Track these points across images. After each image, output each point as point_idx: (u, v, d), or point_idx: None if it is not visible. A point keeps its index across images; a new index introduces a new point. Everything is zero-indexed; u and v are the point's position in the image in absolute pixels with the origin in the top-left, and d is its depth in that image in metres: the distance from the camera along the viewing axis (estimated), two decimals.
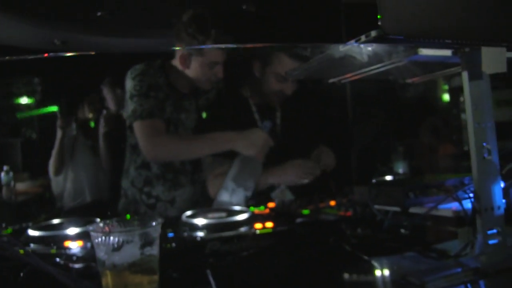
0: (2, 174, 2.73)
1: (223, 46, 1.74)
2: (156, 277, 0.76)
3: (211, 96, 1.98)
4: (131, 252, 0.73)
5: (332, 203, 1.50)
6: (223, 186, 1.66)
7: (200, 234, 1.22)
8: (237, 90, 1.99)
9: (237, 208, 1.42)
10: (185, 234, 1.22)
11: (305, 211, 1.41)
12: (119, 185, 2.00)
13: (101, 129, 2.59)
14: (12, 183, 2.74)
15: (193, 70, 1.83)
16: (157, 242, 0.76)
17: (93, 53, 1.79)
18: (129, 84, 1.83)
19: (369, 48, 0.93)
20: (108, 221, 0.79)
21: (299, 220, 1.30)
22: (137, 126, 1.76)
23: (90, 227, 0.75)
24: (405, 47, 0.90)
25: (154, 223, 0.76)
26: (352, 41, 0.86)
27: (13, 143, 3.68)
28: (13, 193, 2.73)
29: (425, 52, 0.90)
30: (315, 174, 1.80)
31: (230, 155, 1.75)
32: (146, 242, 0.74)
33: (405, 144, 2.02)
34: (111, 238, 0.72)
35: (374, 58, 0.97)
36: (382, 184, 1.12)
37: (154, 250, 0.75)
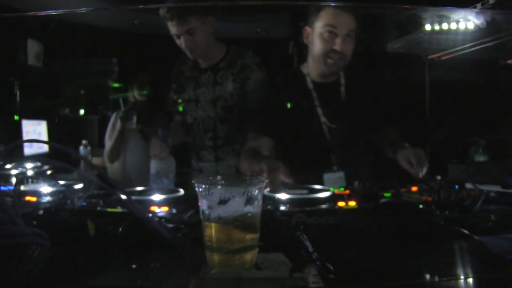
0: (81, 147, 2.87)
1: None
2: (257, 235, 0.76)
3: (236, 70, 2.01)
4: (235, 207, 0.74)
5: (414, 188, 1.45)
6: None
7: (283, 208, 1.22)
8: (295, 67, 1.96)
9: (317, 187, 1.41)
10: (269, 207, 1.23)
11: (387, 194, 1.38)
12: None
13: None
14: (89, 156, 2.88)
15: None
16: (260, 201, 0.77)
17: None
18: None
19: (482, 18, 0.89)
20: (213, 177, 0.81)
21: (383, 200, 1.26)
22: None
23: (197, 180, 0.76)
24: None
25: (258, 182, 0.77)
26: (466, 9, 0.83)
27: (91, 120, 3.89)
28: (89, 166, 2.85)
29: None
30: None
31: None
32: (249, 199, 0.75)
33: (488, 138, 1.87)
34: (216, 191, 0.74)
35: (484, 31, 0.93)
36: (481, 162, 1.06)
37: (256, 209, 0.76)
